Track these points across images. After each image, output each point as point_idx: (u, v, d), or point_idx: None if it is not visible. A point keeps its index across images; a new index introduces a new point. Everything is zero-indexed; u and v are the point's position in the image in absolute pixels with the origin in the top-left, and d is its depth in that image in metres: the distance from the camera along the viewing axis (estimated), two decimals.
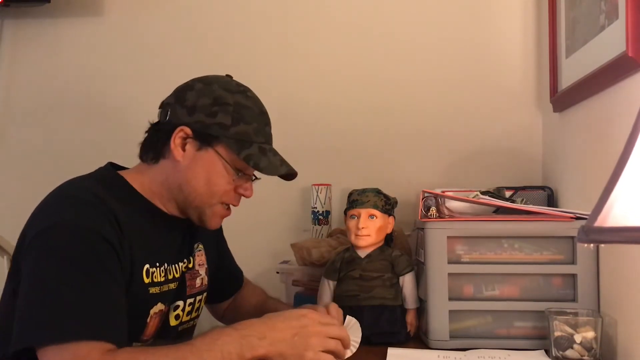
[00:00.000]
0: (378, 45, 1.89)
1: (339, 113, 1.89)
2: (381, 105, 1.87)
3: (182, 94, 1.17)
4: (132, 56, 1.97)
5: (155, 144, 1.17)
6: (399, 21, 1.89)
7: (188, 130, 1.13)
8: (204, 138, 1.13)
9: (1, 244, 1.56)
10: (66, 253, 1.00)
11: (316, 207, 1.80)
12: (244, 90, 1.20)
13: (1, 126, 2.02)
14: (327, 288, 1.39)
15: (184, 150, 1.14)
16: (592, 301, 1.26)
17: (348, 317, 1.18)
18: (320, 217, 1.80)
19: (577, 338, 1.14)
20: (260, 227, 1.90)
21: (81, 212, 1.04)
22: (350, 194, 1.41)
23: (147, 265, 1.11)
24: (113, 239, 1.03)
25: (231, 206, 1.22)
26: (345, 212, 1.40)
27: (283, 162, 1.20)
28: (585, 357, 1.14)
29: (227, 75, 1.23)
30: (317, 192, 1.80)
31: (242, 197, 1.23)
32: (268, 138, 1.20)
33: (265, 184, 1.90)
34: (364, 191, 1.39)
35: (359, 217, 1.36)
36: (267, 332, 1.04)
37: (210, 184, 1.15)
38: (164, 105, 1.19)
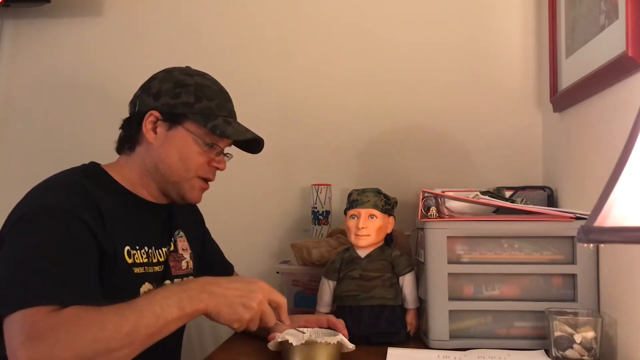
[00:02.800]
0: (378, 45, 1.89)
1: (339, 113, 1.89)
2: (381, 106, 1.87)
3: (146, 85, 1.28)
4: (131, 56, 1.97)
5: (129, 135, 1.27)
6: (399, 21, 1.89)
7: (157, 113, 1.23)
8: (172, 118, 1.23)
9: None
10: (43, 232, 1.06)
11: (316, 207, 1.80)
12: (202, 74, 1.30)
13: (1, 125, 2.02)
14: (327, 288, 1.39)
15: (155, 132, 1.24)
16: (592, 301, 1.26)
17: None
18: (320, 217, 1.80)
19: (577, 338, 1.14)
20: (260, 227, 1.90)
21: (59, 195, 1.12)
22: (350, 194, 1.41)
23: (127, 247, 1.18)
24: (90, 221, 1.10)
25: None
26: (345, 212, 1.41)
27: (248, 130, 1.29)
28: (585, 357, 1.14)
29: (186, 66, 1.33)
30: (317, 192, 1.80)
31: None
32: (231, 113, 1.30)
33: (266, 184, 1.92)
34: (364, 191, 1.39)
35: (359, 217, 1.36)
36: (208, 286, 1.06)
37: (184, 159, 1.24)
38: (132, 100, 1.29)
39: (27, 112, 2.02)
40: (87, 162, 1.29)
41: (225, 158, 1.31)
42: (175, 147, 1.23)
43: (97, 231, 1.11)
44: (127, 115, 1.29)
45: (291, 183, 1.90)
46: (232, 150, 1.34)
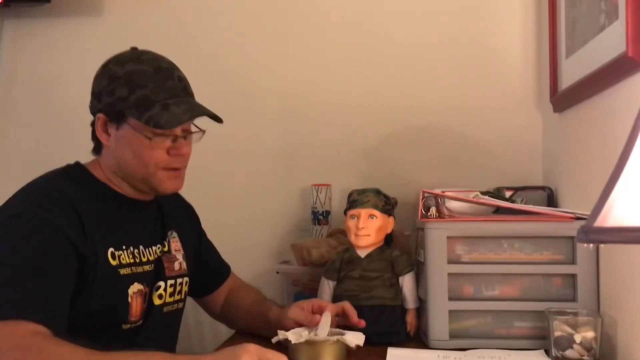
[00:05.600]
0: (378, 45, 1.89)
1: (338, 113, 1.89)
2: (381, 105, 1.87)
3: (92, 85, 1.24)
4: None
5: (94, 139, 1.26)
6: (399, 21, 1.88)
7: (102, 115, 1.20)
8: (115, 117, 1.19)
9: None
10: (15, 241, 1.06)
11: (316, 207, 1.80)
12: (137, 56, 1.22)
13: (1, 125, 2.02)
14: (327, 288, 1.39)
15: (108, 134, 1.20)
16: (592, 301, 1.26)
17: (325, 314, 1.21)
18: (320, 217, 1.80)
19: (577, 338, 1.14)
20: (260, 227, 1.90)
21: (33, 202, 1.11)
22: (350, 194, 1.41)
23: (111, 249, 1.16)
24: (66, 227, 1.09)
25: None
26: (345, 212, 1.41)
27: (189, 109, 1.18)
28: (585, 357, 1.14)
29: (129, 49, 1.26)
30: (317, 192, 1.80)
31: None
32: (173, 92, 1.19)
33: (266, 184, 1.92)
34: (364, 191, 1.39)
35: (359, 217, 1.36)
36: None
37: (138, 157, 1.19)
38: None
39: (27, 112, 2.01)
40: (86, 161, 1.28)
41: (195, 136, 1.24)
42: (127, 146, 1.19)
43: (74, 238, 1.09)
44: None
45: (291, 183, 1.90)
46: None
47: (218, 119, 1.23)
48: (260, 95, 1.91)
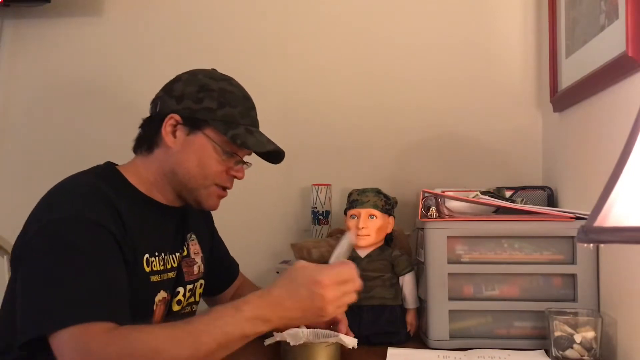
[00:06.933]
0: (378, 45, 1.89)
1: (339, 113, 1.89)
2: (381, 105, 1.87)
3: (169, 86, 1.24)
4: (132, 56, 1.97)
5: (148, 136, 1.24)
6: (399, 21, 1.89)
7: (177, 117, 1.19)
8: (192, 123, 1.19)
9: (1, 244, 1.56)
10: (67, 243, 1.03)
11: (316, 207, 1.80)
12: (228, 78, 1.26)
13: (1, 126, 2.02)
14: None
15: (174, 136, 1.20)
16: (592, 301, 1.26)
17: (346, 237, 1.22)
18: (320, 217, 1.80)
19: (577, 338, 1.14)
20: (260, 227, 1.90)
21: (83, 204, 1.08)
22: (350, 194, 1.41)
23: (146, 255, 1.15)
24: (114, 230, 1.07)
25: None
26: (345, 212, 1.41)
27: (270, 141, 1.26)
28: (585, 357, 1.14)
29: (212, 69, 1.28)
30: (317, 192, 1.80)
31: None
32: (254, 121, 1.26)
33: (266, 184, 1.92)
34: (364, 191, 1.39)
35: (359, 217, 1.36)
36: (272, 314, 1.00)
37: (202, 166, 1.20)
38: (154, 100, 1.25)
39: (27, 112, 2.01)
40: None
41: (245, 167, 1.27)
42: (194, 153, 1.20)
43: (120, 240, 1.08)
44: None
45: (291, 183, 1.90)
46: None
47: (280, 160, 1.31)
48: (261, 96, 1.88)
